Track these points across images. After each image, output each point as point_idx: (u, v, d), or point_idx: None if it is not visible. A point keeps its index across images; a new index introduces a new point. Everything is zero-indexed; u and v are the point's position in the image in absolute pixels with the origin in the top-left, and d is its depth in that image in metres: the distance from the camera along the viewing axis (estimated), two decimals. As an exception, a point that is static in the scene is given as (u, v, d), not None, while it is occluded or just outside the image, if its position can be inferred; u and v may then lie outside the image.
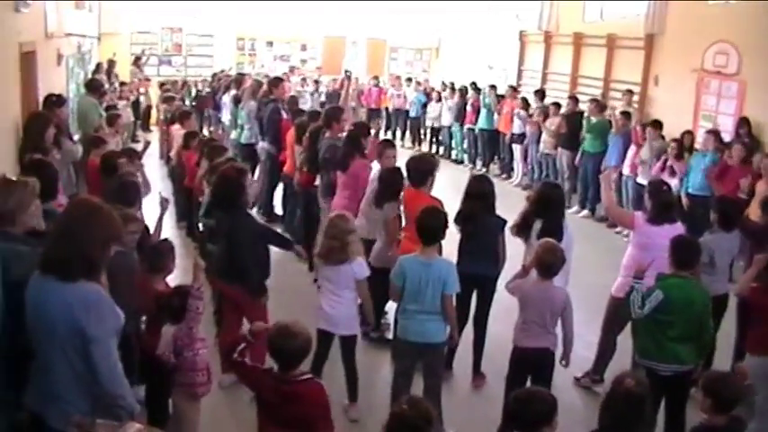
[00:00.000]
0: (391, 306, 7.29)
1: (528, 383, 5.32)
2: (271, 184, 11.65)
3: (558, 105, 14.67)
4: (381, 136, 19.44)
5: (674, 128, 11.91)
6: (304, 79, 19.65)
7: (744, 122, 11.18)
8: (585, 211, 13.24)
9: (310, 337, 4.27)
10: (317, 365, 5.73)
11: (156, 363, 4.93)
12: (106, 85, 14.79)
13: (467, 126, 17.44)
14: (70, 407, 3.51)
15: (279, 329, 4.14)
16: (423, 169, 7.01)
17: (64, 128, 9.56)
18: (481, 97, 16.81)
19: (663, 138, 11.71)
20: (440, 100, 18.61)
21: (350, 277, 5.95)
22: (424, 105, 19.33)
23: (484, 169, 16.64)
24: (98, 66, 17.55)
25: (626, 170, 12.24)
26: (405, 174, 7.21)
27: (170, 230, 9.55)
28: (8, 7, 8.51)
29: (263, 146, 11.71)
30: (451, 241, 6.57)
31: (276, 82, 12.23)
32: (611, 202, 7.46)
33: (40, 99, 9.92)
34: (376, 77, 21.37)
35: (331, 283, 5.97)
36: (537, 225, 6.41)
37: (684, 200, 10.71)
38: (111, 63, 18.76)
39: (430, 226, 5.56)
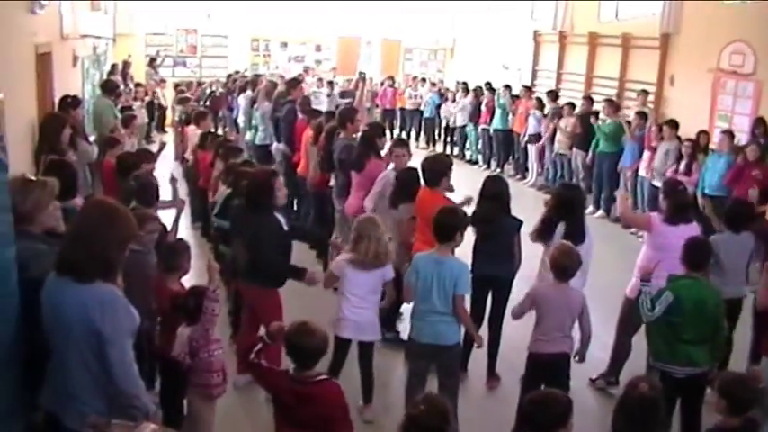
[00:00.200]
0: (408, 308, 7.34)
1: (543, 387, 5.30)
2: (287, 185, 11.65)
3: (572, 105, 14.63)
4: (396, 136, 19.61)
5: (689, 128, 11.83)
6: (320, 80, 19.66)
7: (760, 122, 11.09)
8: (600, 212, 13.18)
9: (327, 336, 4.28)
10: (334, 371, 5.69)
11: (172, 363, 4.95)
12: (121, 87, 14.85)
13: (481, 126, 17.41)
14: (86, 407, 3.52)
15: (296, 327, 4.15)
16: (436, 169, 6.99)
17: (79, 129, 9.60)
18: (496, 97, 16.77)
19: (679, 138, 11.64)
20: (455, 100, 18.58)
21: (380, 281, 5.96)
22: (438, 106, 19.32)
23: (498, 170, 16.63)
24: (113, 67, 17.62)
25: (642, 171, 12.17)
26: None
27: (185, 231, 9.58)
28: (24, 9, 8.56)
29: (278, 147, 11.73)
30: (465, 242, 6.57)
31: (294, 83, 12.27)
32: (626, 209, 7.38)
33: (56, 100, 9.97)
34: (391, 78, 21.36)
35: (361, 289, 5.91)
36: (560, 228, 6.36)
37: (700, 200, 10.67)
38: (127, 64, 18.85)
39: (445, 224, 5.53)
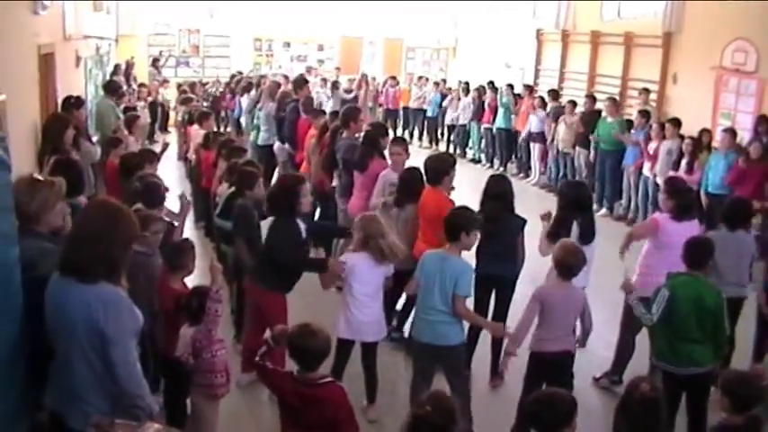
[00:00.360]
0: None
1: (544, 386, 5.29)
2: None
3: (573, 104, 14.63)
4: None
5: (692, 126, 11.82)
6: (323, 80, 19.67)
7: (762, 120, 11.08)
8: (604, 210, 13.15)
9: (329, 337, 4.28)
10: (337, 373, 5.65)
11: (175, 364, 4.95)
12: (124, 87, 14.86)
13: (484, 125, 17.41)
14: (90, 407, 3.52)
15: (299, 329, 4.16)
16: (438, 168, 7.01)
17: (82, 129, 9.61)
18: (498, 96, 16.77)
19: (681, 137, 11.62)
20: (459, 99, 18.56)
21: (383, 278, 6.00)
22: (440, 105, 19.32)
23: (501, 168, 16.63)
24: (116, 67, 17.63)
25: (646, 170, 12.16)
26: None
27: (188, 231, 9.57)
28: (26, 9, 8.56)
29: (281, 146, 11.75)
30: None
31: (301, 83, 12.30)
32: (631, 235, 7.23)
33: (59, 101, 9.98)
34: (393, 78, 21.35)
35: (369, 287, 5.93)
36: (575, 228, 6.35)
37: (704, 199, 10.67)
38: (130, 65, 18.86)
39: (450, 223, 5.54)
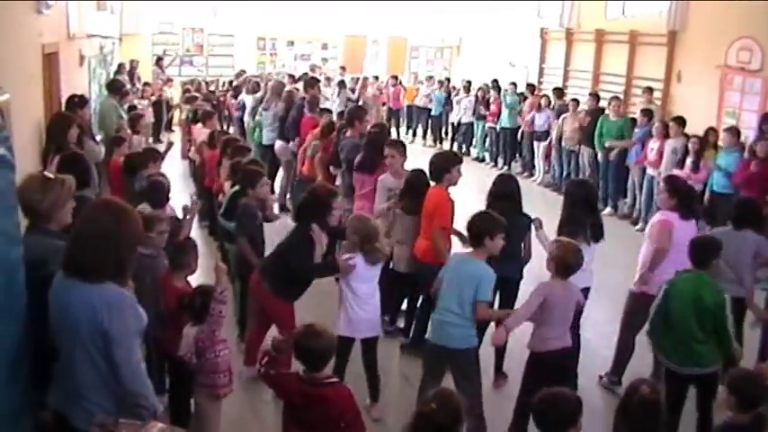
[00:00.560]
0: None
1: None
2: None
3: (576, 102, 14.62)
4: (403, 135, 19.68)
5: (697, 125, 11.79)
6: (327, 79, 19.67)
7: (767, 118, 11.05)
8: (608, 209, 13.11)
9: (334, 337, 4.31)
10: (339, 372, 5.65)
11: (178, 363, 4.95)
12: (128, 86, 14.86)
13: (488, 124, 17.40)
14: (93, 406, 3.51)
15: (304, 330, 4.16)
16: (440, 165, 7.02)
17: (86, 128, 9.62)
18: (502, 96, 16.76)
19: (686, 135, 11.60)
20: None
21: (380, 272, 6.07)
22: (445, 104, 19.30)
23: (505, 167, 16.62)
24: (120, 66, 17.65)
25: (650, 169, 12.12)
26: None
27: (192, 230, 9.57)
28: (30, 9, 8.57)
29: (283, 145, 11.75)
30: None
31: (312, 83, 12.31)
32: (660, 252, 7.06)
33: (63, 100, 9.98)
34: (395, 77, 21.33)
35: (369, 285, 5.98)
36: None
37: (708, 197, 10.63)
38: (134, 64, 18.87)
39: (476, 228, 5.48)
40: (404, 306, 7.80)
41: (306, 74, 17.77)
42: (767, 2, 11.49)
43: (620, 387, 6.37)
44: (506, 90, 16.73)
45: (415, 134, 20.44)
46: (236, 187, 7.36)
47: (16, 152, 4.04)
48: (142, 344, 4.03)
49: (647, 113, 12.80)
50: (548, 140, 15.33)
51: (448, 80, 20.99)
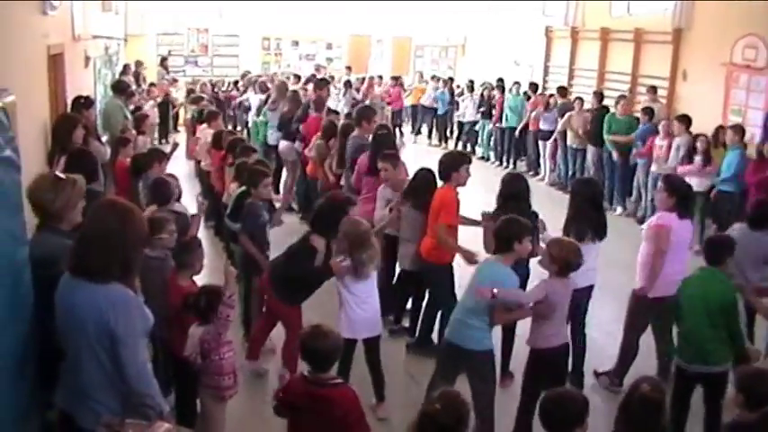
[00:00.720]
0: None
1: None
2: (299, 183, 11.73)
3: (581, 101, 14.59)
4: (408, 135, 19.69)
5: (702, 123, 11.76)
6: (332, 78, 19.65)
7: (773, 117, 11.04)
8: (614, 208, 13.14)
9: (340, 338, 4.33)
10: (343, 374, 5.64)
11: (184, 363, 4.95)
12: (133, 87, 14.87)
13: (494, 124, 17.37)
14: (100, 406, 3.52)
15: (311, 331, 4.17)
16: (447, 164, 7.02)
17: (92, 129, 9.62)
18: (506, 95, 16.74)
19: (690, 134, 11.56)
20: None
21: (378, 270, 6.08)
22: (450, 103, 19.28)
23: (511, 167, 16.60)
24: (125, 67, 17.65)
25: (654, 167, 12.09)
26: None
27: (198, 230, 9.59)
28: (35, 10, 8.58)
29: (287, 145, 11.75)
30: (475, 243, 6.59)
31: (322, 84, 12.31)
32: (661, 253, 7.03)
33: (69, 101, 9.99)
34: (396, 78, 21.28)
35: (367, 283, 5.95)
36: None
37: (713, 196, 10.61)
38: (140, 64, 18.89)
39: (504, 233, 5.44)
40: (408, 305, 7.79)
41: (313, 75, 17.78)
42: (772, -1, 11.47)
43: (620, 389, 6.34)
44: (510, 89, 16.70)
45: (419, 132, 20.44)
46: (243, 188, 7.37)
47: (22, 153, 4.05)
48: (149, 344, 4.03)
49: (648, 111, 12.83)
50: (552, 139, 15.30)
51: (451, 79, 20.97)
